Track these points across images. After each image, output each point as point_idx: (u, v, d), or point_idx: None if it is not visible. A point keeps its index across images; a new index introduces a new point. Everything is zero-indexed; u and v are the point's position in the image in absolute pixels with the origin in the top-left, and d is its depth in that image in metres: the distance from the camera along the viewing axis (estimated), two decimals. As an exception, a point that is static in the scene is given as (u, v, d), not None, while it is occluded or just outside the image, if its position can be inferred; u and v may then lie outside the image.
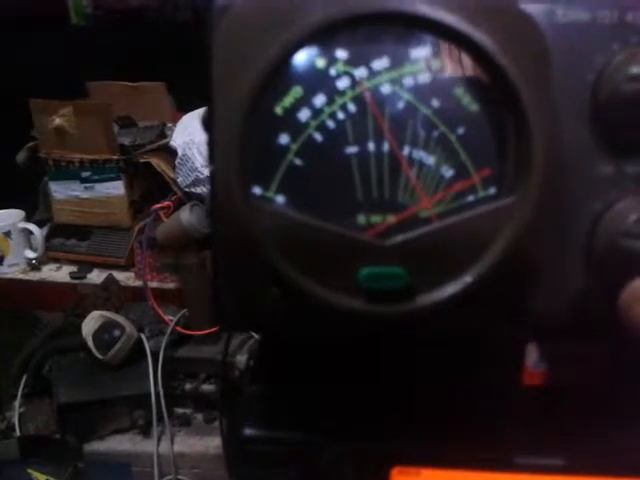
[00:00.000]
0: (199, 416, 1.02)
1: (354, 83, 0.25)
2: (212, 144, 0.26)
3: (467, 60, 0.25)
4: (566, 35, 0.27)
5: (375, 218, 0.26)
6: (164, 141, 1.20)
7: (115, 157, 1.17)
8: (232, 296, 0.27)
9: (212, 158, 0.26)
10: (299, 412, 0.31)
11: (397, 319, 0.25)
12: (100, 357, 1.00)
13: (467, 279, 0.25)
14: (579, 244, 0.28)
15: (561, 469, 0.31)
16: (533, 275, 0.27)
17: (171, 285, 1.13)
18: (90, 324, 1.02)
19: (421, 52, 0.25)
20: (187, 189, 1.13)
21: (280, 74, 0.25)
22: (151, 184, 1.21)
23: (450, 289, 0.25)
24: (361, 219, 0.26)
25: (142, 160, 1.18)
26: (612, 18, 0.27)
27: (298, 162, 0.25)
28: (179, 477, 0.97)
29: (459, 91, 0.25)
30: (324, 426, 0.31)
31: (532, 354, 0.31)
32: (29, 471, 0.93)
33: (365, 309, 0.25)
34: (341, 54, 0.25)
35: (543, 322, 0.28)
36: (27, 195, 1.31)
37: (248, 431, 0.30)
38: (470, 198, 0.26)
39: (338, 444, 0.30)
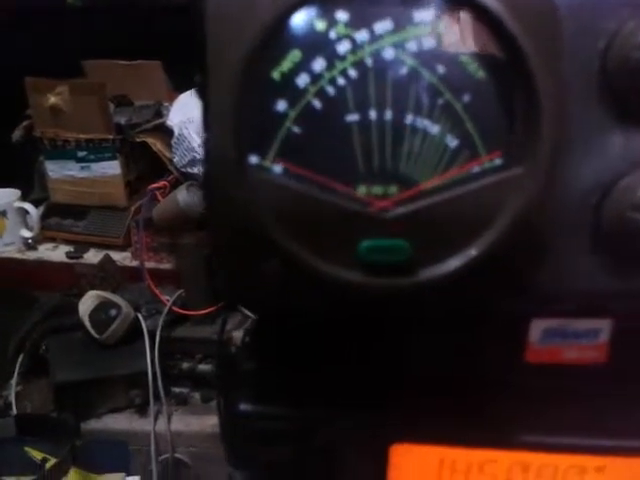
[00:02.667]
0: (196, 395, 1.02)
1: (355, 47, 0.24)
2: (206, 111, 0.25)
3: (474, 25, 0.24)
4: (577, 1, 0.26)
5: (376, 189, 0.25)
6: (160, 120, 1.19)
7: (111, 136, 1.15)
8: (229, 270, 0.26)
9: (206, 126, 0.25)
10: (296, 388, 0.31)
11: (398, 293, 0.24)
12: (97, 336, 0.99)
13: (472, 252, 0.24)
14: (586, 217, 0.27)
15: (561, 447, 0.31)
16: (539, 249, 0.26)
17: (168, 265, 1.12)
18: (87, 304, 1.01)
19: (426, 15, 0.24)
20: (183, 169, 1.12)
21: (277, 37, 0.24)
22: (147, 164, 1.19)
23: (454, 263, 0.24)
24: (362, 190, 0.25)
25: (138, 140, 1.17)
26: (623, -16, 0.26)
27: (296, 130, 0.24)
28: (176, 455, 0.98)
29: (465, 57, 0.24)
30: (321, 402, 0.30)
31: (536, 330, 0.30)
32: (26, 449, 0.93)
33: (366, 283, 0.24)
34: (342, 16, 0.24)
35: (548, 297, 0.28)
36: (23, 174, 1.29)
37: (244, 407, 0.29)
38: (475, 169, 0.25)
39: (336, 421, 0.30)
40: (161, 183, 1.10)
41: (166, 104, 1.24)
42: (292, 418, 0.29)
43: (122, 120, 1.19)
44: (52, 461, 0.91)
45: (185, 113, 1.12)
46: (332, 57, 0.24)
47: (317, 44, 0.24)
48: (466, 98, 0.24)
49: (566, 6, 0.25)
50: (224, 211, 0.25)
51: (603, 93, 0.26)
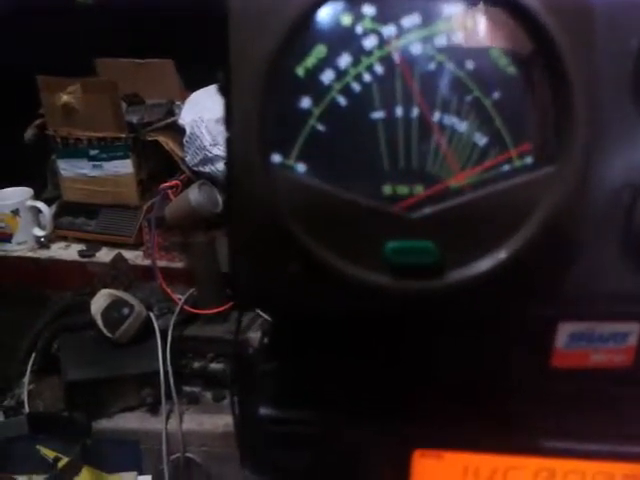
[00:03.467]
0: (208, 394, 1.02)
1: (382, 42, 0.23)
2: (229, 110, 0.24)
3: (505, 20, 0.23)
4: (610, 1, 0.26)
5: (402, 189, 0.24)
6: (172, 119, 1.19)
7: (123, 135, 1.15)
8: (249, 271, 0.25)
9: (229, 124, 0.24)
10: (317, 391, 0.30)
11: (425, 296, 0.23)
12: (109, 335, 0.99)
13: (501, 255, 0.23)
14: (617, 218, 0.26)
15: (589, 454, 0.30)
16: (569, 251, 0.25)
17: (179, 264, 1.12)
18: (99, 302, 1.01)
19: (455, 9, 0.23)
20: (195, 168, 1.11)
21: (302, 32, 0.23)
22: (159, 163, 1.19)
23: (483, 265, 0.23)
24: (387, 190, 0.24)
25: (150, 138, 1.16)
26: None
27: (320, 128, 0.24)
28: (187, 455, 0.97)
29: (495, 52, 0.23)
30: (344, 407, 0.29)
31: (562, 335, 0.30)
32: (38, 447, 0.93)
33: (391, 285, 0.23)
34: (368, 10, 0.23)
35: (577, 300, 0.27)
36: (35, 173, 1.30)
37: (264, 410, 0.29)
38: (505, 168, 0.24)
39: (358, 426, 0.29)
40: (173, 182, 1.10)
41: (178, 103, 1.24)
42: (314, 422, 0.29)
43: (134, 119, 1.19)
44: (64, 460, 0.91)
45: (197, 112, 1.12)
46: (358, 52, 0.23)
47: (343, 39, 0.23)
48: (496, 94, 0.24)
49: (600, 5, 0.24)
50: (246, 211, 0.24)
51: (636, 92, 0.26)
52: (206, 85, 1.13)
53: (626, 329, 0.30)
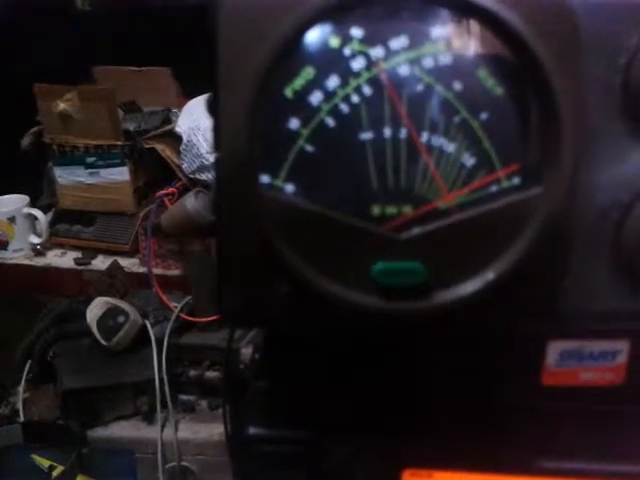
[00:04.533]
0: (203, 403, 1.02)
1: (370, 64, 0.23)
2: (218, 130, 0.24)
3: (492, 40, 0.23)
4: (598, 15, 0.26)
5: (391, 209, 0.24)
6: (169, 127, 1.19)
7: (120, 143, 1.15)
8: (237, 291, 0.25)
9: (217, 145, 0.24)
10: (307, 410, 0.30)
11: (413, 317, 0.23)
12: (104, 343, 0.99)
13: (489, 276, 0.23)
14: (607, 235, 0.26)
15: (578, 473, 0.30)
16: (558, 269, 0.25)
17: (175, 272, 1.12)
18: (94, 310, 1.01)
19: (442, 30, 0.23)
20: (192, 175, 1.12)
21: (290, 54, 0.23)
22: (156, 170, 1.19)
23: (470, 286, 0.23)
24: (376, 210, 0.24)
25: (147, 146, 1.17)
26: (646, -3, 0.25)
27: (309, 148, 0.24)
28: (183, 463, 0.97)
29: (482, 73, 0.24)
30: (333, 426, 0.29)
31: (552, 353, 0.30)
32: (33, 456, 0.93)
33: (379, 306, 0.23)
34: (356, 32, 0.23)
35: (566, 319, 0.27)
36: (31, 180, 1.29)
37: (253, 430, 0.29)
38: (493, 188, 0.24)
39: (348, 445, 0.29)
40: (169, 189, 1.10)
41: (175, 110, 1.24)
42: (303, 441, 0.29)
43: (131, 126, 1.19)
44: (59, 469, 0.91)
45: (194, 119, 1.12)
46: (346, 74, 0.23)
47: (331, 61, 0.23)
48: (483, 116, 0.24)
49: (587, 22, 0.25)
50: (234, 231, 0.24)
51: (624, 109, 0.26)
52: (203, 93, 1.13)
53: (616, 347, 0.30)
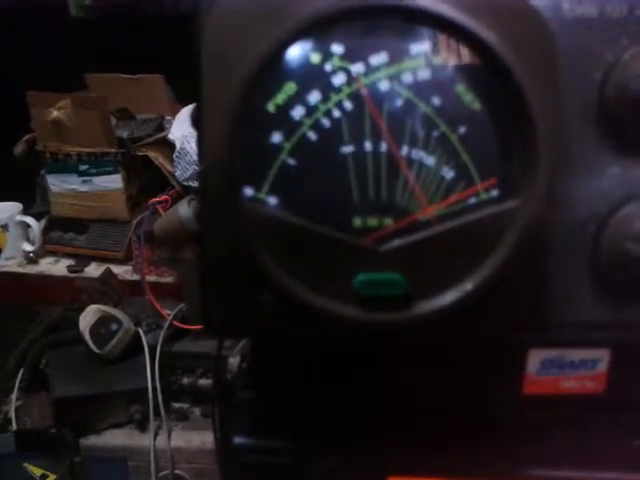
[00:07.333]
0: (196, 410, 1.01)
1: (350, 79, 0.24)
2: (201, 143, 0.25)
3: (469, 56, 0.24)
4: (573, 31, 0.26)
5: (372, 221, 0.24)
6: (162, 134, 1.19)
7: (113, 150, 1.16)
8: (221, 302, 0.25)
9: (201, 158, 0.25)
10: (292, 420, 0.30)
11: (394, 327, 0.24)
12: (97, 351, 0.99)
13: (468, 286, 0.24)
14: (584, 247, 0.27)
15: None
16: (536, 280, 0.26)
17: (169, 279, 1.12)
18: (87, 318, 1.01)
19: (421, 47, 0.24)
20: (185, 183, 1.12)
21: (273, 69, 0.24)
22: (149, 178, 1.19)
23: (450, 297, 0.24)
24: (357, 222, 0.24)
25: (140, 153, 1.17)
26: (621, 12, 0.26)
27: (291, 162, 0.24)
28: (176, 472, 0.97)
29: (461, 88, 0.24)
30: (318, 435, 0.30)
31: (533, 361, 0.30)
32: (25, 465, 0.92)
33: (361, 317, 0.24)
34: (337, 49, 0.24)
35: (546, 328, 0.27)
36: (24, 188, 1.29)
37: (239, 439, 0.29)
38: (472, 201, 0.24)
39: (332, 454, 0.29)
40: (162, 197, 1.10)
41: (168, 118, 1.25)
42: (288, 452, 0.29)
43: (124, 134, 1.19)
44: (52, 477, 0.90)
45: (187, 127, 1.13)
46: (327, 89, 0.24)
47: (312, 76, 0.24)
48: (462, 130, 0.24)
49: (563, 38, 0.25)
50: (217, 243, 0.25)
51: (600, 124, 0.26)
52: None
53: (596, 356, 0.30)
